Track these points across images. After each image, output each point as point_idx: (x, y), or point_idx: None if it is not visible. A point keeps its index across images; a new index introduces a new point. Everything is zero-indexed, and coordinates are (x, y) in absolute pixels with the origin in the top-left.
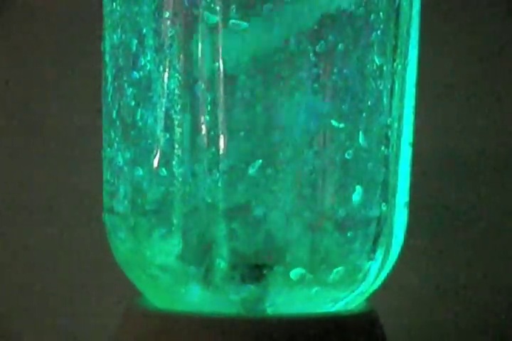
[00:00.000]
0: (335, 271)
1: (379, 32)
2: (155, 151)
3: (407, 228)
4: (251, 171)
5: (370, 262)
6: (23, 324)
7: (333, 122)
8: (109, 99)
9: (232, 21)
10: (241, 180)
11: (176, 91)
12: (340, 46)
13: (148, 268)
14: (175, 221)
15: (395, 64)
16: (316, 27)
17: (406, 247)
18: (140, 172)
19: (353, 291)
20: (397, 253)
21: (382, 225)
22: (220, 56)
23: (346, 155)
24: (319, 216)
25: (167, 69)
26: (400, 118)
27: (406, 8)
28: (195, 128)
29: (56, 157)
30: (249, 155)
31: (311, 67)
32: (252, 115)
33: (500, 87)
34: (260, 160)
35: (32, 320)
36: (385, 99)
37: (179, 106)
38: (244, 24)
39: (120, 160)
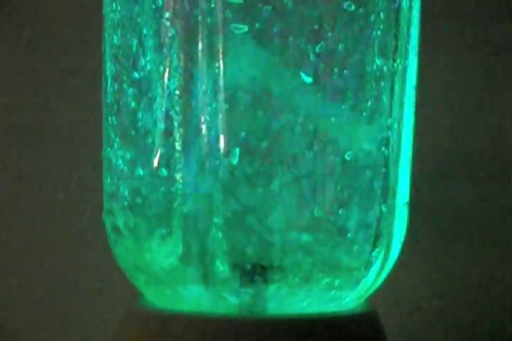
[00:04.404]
0: (334, 272)
1: (379, 32)
2: (155, 152)
3: (407, 228)
4: (251, 172)
5: (370, 262)
6: (23, 324)
7: (333, 123)
8: (109, 99)
9: (232, 24)
10: (241, 181)
11: (176, 91)
12: (340, 46)
13: (148, 268)
14: (175, 222)
15: (395, 64)
16: (316, 27)
17: (406, 247)
18: (140, 172)
19: (353, 291)
20: (397, 253)
21: (382, 226)
22: (220, 56)
23: (346, 156)
24: (319, 217)
25: (167, 70)
26: (400, 118)
27: (406, 8)
28: (195, 129)
29: (56, 157)
30: (249, 155)
31: (311, 67)
32: (252, 116)
33: (500, 87)
34: (260, 161)
35: (31, 320)
36: (385, 100)
37: (179, 107)
38: (244, 26)
39: (120, 160)
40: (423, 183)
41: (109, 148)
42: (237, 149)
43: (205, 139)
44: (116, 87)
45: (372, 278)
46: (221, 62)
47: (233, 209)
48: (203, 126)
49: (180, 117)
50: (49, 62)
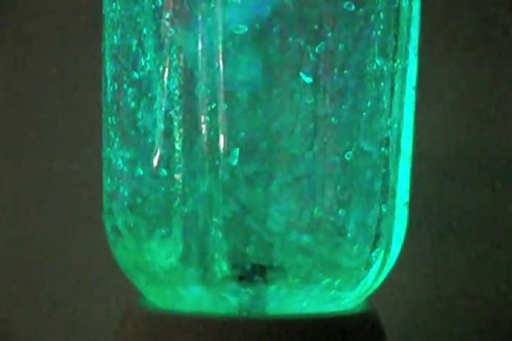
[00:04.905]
0: (334, 272)
1: (379, 32)
2: (155, 152)
3: (407, 228)
4: (251, 172)
5: (369, 263)
6: (23, 324)
7: (333, 123)
8: (109, 99)
9: (232, 25)
10: (241, 182)
11: (176, 91)
12: (340, 46)
13: (147, 269)
14: (175, 222)
15: (395, 64)
16: (316, 27)
17: (406, 247)
18: (140, 172)
19: (353, 291)
20: (397, 253)
21: (382, 226)
22: (220, 56)
23: (346, 157)
24: (319, 218)
25: (167, 70)
26: (400, 118)
27: (406, 8)
28: (195, 129)
29: (56, 157)
30: (249, 156)
31: (311, 67)
32: (252, 116)
33: (501, 87)
34: (260, 161)
35: (32, 320)
36: (385, 100)
37: (179, 107)
38: (245, 27)
39: (120, 160)
40: (423, 183)
41: (109, 148)
42: (237, 149)
43: (205, 139)
44: (116, 86)
45: (372, 278)
46: (221, 62)
47: (233, 210)
48: (203, 126)
49: (180, 117)
50: (49, 61)
